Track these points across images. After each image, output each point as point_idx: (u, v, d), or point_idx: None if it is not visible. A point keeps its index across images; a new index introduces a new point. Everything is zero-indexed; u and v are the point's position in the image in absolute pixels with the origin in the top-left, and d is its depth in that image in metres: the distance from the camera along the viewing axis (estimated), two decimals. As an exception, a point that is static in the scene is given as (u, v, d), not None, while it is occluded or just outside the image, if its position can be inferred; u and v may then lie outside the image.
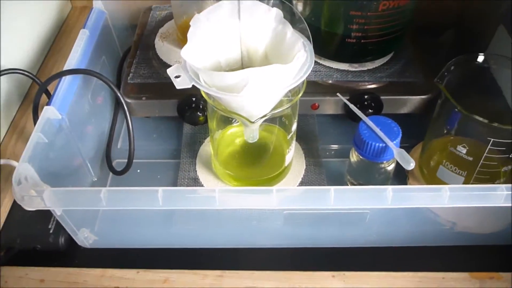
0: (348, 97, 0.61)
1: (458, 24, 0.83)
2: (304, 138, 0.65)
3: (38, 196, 0.44)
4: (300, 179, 0.60)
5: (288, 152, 0.56)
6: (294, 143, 0.57)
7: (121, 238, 0.56)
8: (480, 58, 0.53)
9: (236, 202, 0.45)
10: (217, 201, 0.44)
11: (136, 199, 0.45)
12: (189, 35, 0.48)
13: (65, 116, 0.54)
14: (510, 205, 0.45)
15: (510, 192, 0.44)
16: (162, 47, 0.68)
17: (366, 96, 0.61)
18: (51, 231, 0.54)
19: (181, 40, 0.67)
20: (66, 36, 0.83)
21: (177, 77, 0.47)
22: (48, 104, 0.52)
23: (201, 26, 0.49)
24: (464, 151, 0.51)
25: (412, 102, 0.62)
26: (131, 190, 0.45)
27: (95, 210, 0.53)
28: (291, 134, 0.55)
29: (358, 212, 0.50)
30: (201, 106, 0.61)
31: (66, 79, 0.56)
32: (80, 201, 0.45)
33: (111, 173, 0.61)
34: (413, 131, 0.58)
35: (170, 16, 0.74)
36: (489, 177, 0.52)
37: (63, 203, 0.46)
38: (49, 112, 0.52)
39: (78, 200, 0.45)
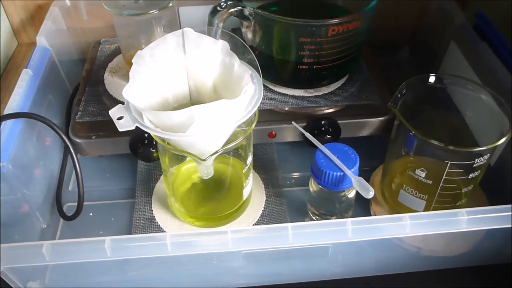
0: (305, 124, 0.60)
1: (412, 41, 0.83)
2: (263, 168, 0.63)
3: (-25, 255, 0.41)
4: (260, 212, 0.57)
5: (246, 185, 0.54)
6: (251, 176, 0.55)
7: (74, 289, 0.53)
8: (432, 79, 0.53)
9: (189, 247, 0.43)
10: (168, 248, 0.42)
11: (82, 251, 0.42)
12: (131, 73, 0.46)
13: (6, 163, 0.51)
14: (472, 229, 0.44)
15: (471, 216, 0.43)
16: (112, 82, 0.66)
17: (323, 122, 0.59)
18: (-4, 288, 0.50)
19: (131, 74, 0.65)
20: (12, 74, 0.79)
21: (120, 118, 0.45)
22: (-14, 152, 0.49)
23: (144, 63, 0.47)
24: (423, 174, 0.50)
25: (370, 124, 0.61)
26: (76, 242, 0.42)
27: (44, 262, 0.49)
28: (247, 167, 0.53)
29: (319, 246, 0.48)
30: (154, 142, 0.58)
31: (7, 124, 0.53)
32: (21, 258, 0.42)
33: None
34: (374, 153, 0.57)
35: (119, 50, 0.71)
36: (450, 199, 0.51)
37: (3, 261, 0.42)
38: (-13, 161, 0.49)
39: (19, 257, 0.42)
